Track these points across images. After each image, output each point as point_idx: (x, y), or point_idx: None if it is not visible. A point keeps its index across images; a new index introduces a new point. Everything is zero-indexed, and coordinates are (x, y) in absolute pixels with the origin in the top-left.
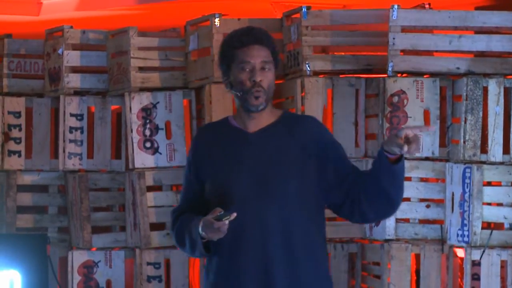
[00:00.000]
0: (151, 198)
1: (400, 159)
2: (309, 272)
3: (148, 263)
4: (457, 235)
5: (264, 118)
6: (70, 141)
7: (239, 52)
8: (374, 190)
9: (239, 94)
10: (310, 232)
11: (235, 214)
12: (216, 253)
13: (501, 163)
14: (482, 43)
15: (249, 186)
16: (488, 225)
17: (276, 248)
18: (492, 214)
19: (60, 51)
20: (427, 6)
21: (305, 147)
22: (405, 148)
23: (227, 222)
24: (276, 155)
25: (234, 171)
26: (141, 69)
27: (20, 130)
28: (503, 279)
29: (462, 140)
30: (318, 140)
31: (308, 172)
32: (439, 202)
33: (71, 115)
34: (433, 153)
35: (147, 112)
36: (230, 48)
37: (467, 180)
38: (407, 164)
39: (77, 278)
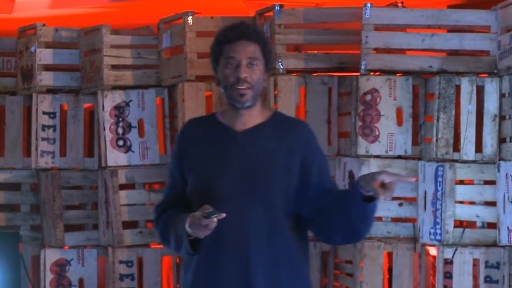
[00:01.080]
0: (123, 196)
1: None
2: (289, 276)
3: (121, 261)
4: (430, 233)
5: (252, 117)
6: (43, 139)
7: (226, 47)
8: (344, 220)
9: (222, 90)
10: (291, 236)
11: (224, 215)
12: (197, 252)
13: (474, 162)
14: (454, 41)
15: (233, 186)
16: (460, 224)
17: (258, 250)
18: (465, 212)
19: (32, 49)
20: (400, 4)
21: (292, 153)
22: (381, 196)
23: (215, 220)
24: (262, 156)
25: (219, 169)
26: (113, 67)
27: None
28: (475, 277)
29: (434, 139)
30: (306, 151)
31: (292, 178)
32: (412, 201)
33: (44, 113)
34: (405, 151)
35: (119, 110)
36: (217, 43)
37: (439, 179)
38: (379, 162)
39: (49, 276)
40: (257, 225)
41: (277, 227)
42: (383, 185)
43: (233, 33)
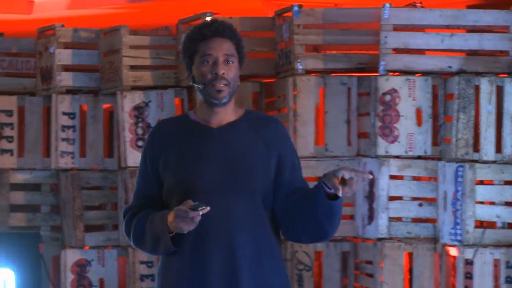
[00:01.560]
0: None
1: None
2: (271, 269)
3: (141, 262)
4: (450, 233)
5: (227, 114)
6: (63, 139)
7: (201, 44)
8: (310, 218)
9: (201, 87)
10: (271, 229)
11: (208, 208)
12: (177, 250)
13: (493, 162)
14: (474, 41)
15: (214, 181)
16: (480, 224)
17: (243, 244)
18: (485, 212)
19: (52, 50)
20: (418, 4)
21: (270, 148)
22: (339, 192)
23: (201, 213)
24: (241, 151)
25: (199, 165)
26: (132, 67)
27: (12, 128)
28: (496, 277)
29: (454, 139)
30: (282, 148)
31: (270, 172)
32: (432, 201)
33: (63, 113)
34: (425, 151)
35: (139, 111)
36: (191, 41)
37: (459, 179)
38: (399, 162)
39: (70, 276)
40: (240, 219)
41: (259, 221)
42: (344, 182)
43: (208, 31)
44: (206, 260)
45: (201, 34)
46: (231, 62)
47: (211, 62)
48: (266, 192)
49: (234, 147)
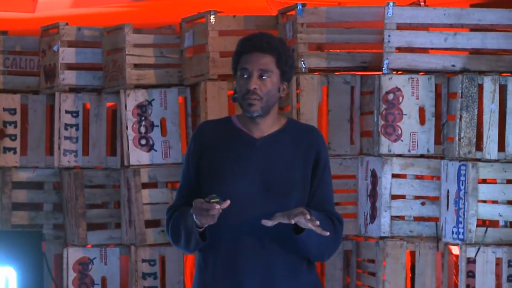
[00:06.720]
0: (146, 195)
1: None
2: (306, 281)
3: (143, 260)
4: (452, 232)
5: (268, 125)
6: (66, 138)
7: (242, 58)
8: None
9: (236, 98)
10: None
11: (228, 202)
12: (212, 255)
13: (496, 161)
14: (477, 40)
15: (252, 191)
16: (483, 223)
17: (280, 260)
18: (487, 211)
19: (55, 48)
20: (422, 3)
21: (308, 160)
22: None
23: (218, 206)
24: (281, 164)
25: (238, 174)
26: (136, 66)
27: (15, 127)
28: (498, 276)
29: (457, 138)
30: (318, 159)
31: (307, 185)
32: (434, 200)
33: (67, 112)
34: (428, 150)
35: (142, 109)
36: (236, 53)
37: (462, 178)
38: (402, 161)
39: (72, 275)
40: (276, 230)
41: (292, 233)
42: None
43: (247, 45)
44: (240, 269)
45: (243, 48)
46: (266, 78)
47: (246, 76)
48: (303, 203)
49: (274, 160)
